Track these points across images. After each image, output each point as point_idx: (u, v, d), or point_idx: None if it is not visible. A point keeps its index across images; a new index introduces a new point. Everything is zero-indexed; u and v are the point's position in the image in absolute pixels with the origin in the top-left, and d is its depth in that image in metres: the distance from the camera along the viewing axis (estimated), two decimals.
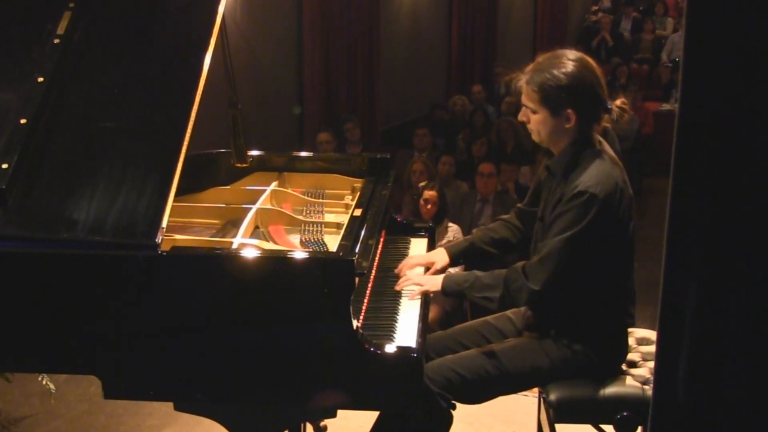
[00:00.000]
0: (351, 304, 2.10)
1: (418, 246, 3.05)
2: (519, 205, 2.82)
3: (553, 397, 2.44)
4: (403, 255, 2.94)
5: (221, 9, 2.42)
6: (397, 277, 2.69)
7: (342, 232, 2.51)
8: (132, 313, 2.13)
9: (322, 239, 2.64)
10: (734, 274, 1.49)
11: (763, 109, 1.42)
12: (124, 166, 2.21)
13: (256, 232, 2.68)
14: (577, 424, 2.60)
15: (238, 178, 3.12)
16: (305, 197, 2.99)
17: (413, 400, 2.14)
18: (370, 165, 3.11)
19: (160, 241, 2.09)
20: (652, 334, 2.67)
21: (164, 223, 2.11)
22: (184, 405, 2.21)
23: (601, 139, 2.50)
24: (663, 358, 1.55)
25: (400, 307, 2.51)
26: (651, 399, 1.61)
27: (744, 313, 1.50)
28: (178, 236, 2.50)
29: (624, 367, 2.54)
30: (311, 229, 2.71)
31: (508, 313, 2.75)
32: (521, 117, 2.51)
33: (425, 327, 2.45)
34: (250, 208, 2.70)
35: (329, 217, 2.84)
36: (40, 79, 2.31)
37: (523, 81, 2.46)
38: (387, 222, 3.01)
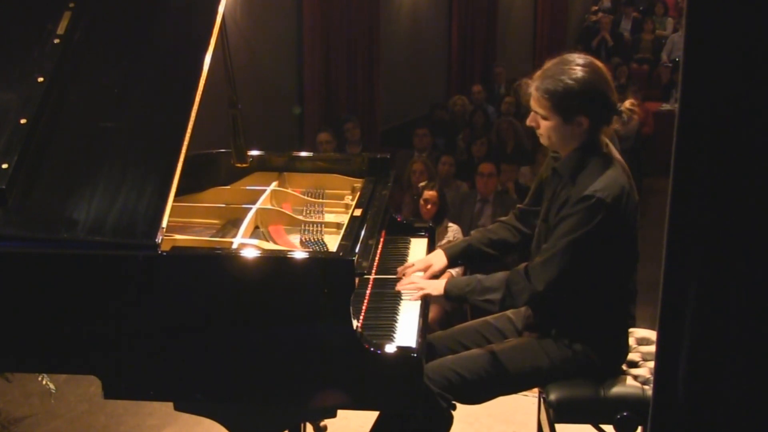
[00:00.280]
0: (351, 304, 2.10)
1: (418, 246, 3.05)
2: (519, 205, 2.82)
3: (553, 397, 2.44)
4: (403, 255, 2.95)
5: (221, 9, 2.42)
6: (395, 278, 2.68)
7: (342, 232, 2.51)
8: (132, 313, 2.13)
9: (322, 239, 2.64)
10: (734, 274, 1.49)
11: (763, 109, 1.42)
12: (124, 166, 2.21)
13: (256, 232, 2.68)
14: (577, 424, 2.60)
15: (238, 178, 3.12)
16: (305, 197, 2.99)
17: (413, 400, 2.14)
18: (370, 165, 3.11)
19: (160, 241, 2.09)
20: (652, 334, 2.67)
21: (164, 223, 2.11)
22: (184, 405, 2.21)
23: (608, 141, 2.49)
24: (663, 358, 1.55)
25: (400, 307, 2.51)
26: (651, 399, 1.61)
27: (744, 313, 1.50)
28: (178, 236, 2.50)
29: (624, 367, 2.54)
30: (311, 229, 2.71)
31: (508, 313, 2.75)
32: (530, 122, 2.49)
33: (425, 327, 2.45)
34: (250, 208, 2.70)
35: (329, 217, 2.84)
36: (40, 79, 2.31)
37: (532, 87, 2.44)
38: (387, 222, 3.01)
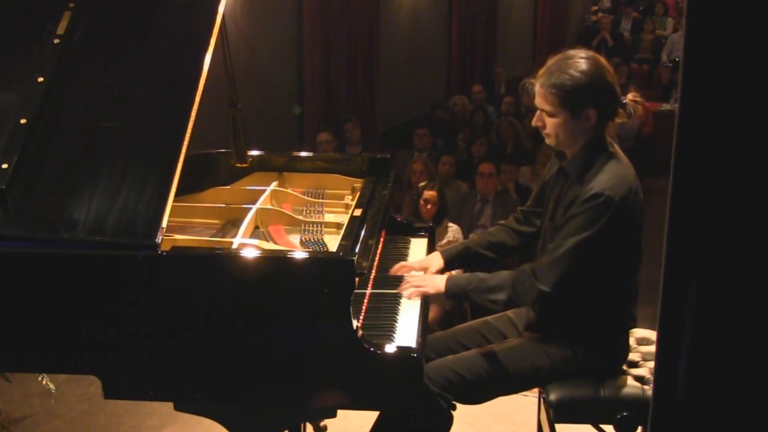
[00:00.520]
0: (351, 304, 2.10)
1: (418, 246, 3.05)
2: (520, 207, 2.81)
3: (553, 397, 2.44)
4: (403, 255, 2.95)
5: (221, 9, 2.42)
6: (395, 278, 2.68)
7: (342, 232, 2.51)
8: (132, 313, 2.13)
9: (322, 239, 2.64)
10: (734, 274, 1.49)
11: (763, 109, 1.42)
12: (124, 166, 2.21)
13: (256, 232, 2.68)
14: (577, 424, 2.60)
15: (238, 178, 3.12)
16: (305, 197, 2.99)
17: (413, 400, 2.14)
18: (370, 165, 3.11)
19: (160, 241, 2.09)
20: (652, 334, 2.67)
21: (164, 223, 2.11)
22: (184, 405, 2.21)
23: (612, 141, 2.48)
24: (663, 358, 1.55)
25: (400, 307, 2.51)
26: (651, 399, 1.61)
27: (744, 313, 1.50)
28: (178, 236, 2.50)
29: (624, 367, 2.54)
30: (311, 229, 2.71)
31: (509, 313, 2.75)
32: (535, 122, 2.47)
33: (425, 327, 2.45)
34: (250, 208, 2.70)
35: (329, 217, 2.84)
36: (40, 79, 2.31)
37: (537, 85, 2.42)
38: (387, 222, 3.01)
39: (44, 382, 3.38)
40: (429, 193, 4.65)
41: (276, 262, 2.16)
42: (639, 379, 2.49)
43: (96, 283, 2.13)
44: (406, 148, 7.10)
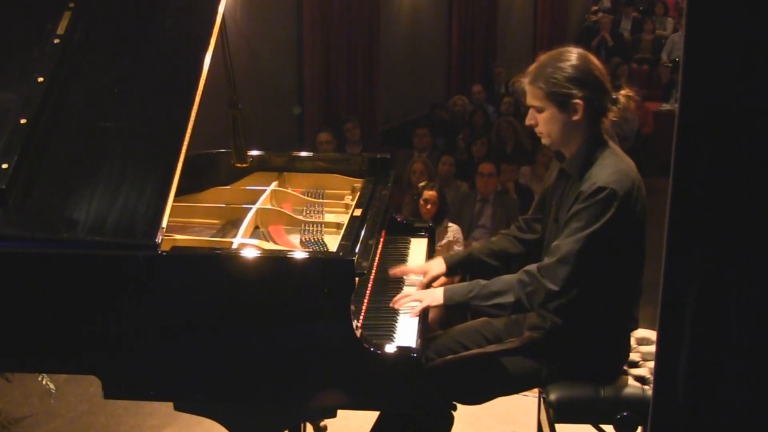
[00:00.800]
0: (351, 304, 2.10)
1: (418, 246, 3.05)
2: (522, 216, 2.79)
3: (553, 397, 2.44)
4: (403, 255, 2.95)
5: (221, 9, 2.42)
6: (394, 280, 2.68)
7: (342, 232, 2.51)
8: (132, 313, 2.13)
9: (322, 239, 2.64)
10: (734, 274, 1.49)
11: (763, 109, 1.42)
12: (124, 166, 2.21)
13: (256, 232, 2.68)
14: (577, 424, 2.60)
15: (238, 178, 3.12)
16: (305, 197, 2.99)
17: (413, 400, 2.14)
18: (370, 165, 3.11)
19: (160, 241, 2.09)
20: (652, 334, 2.67)
21: (164, 223, 2.11)
22: (184, 405, 2.21)
23: (609, 138, 2.47)
24: (663, 358, 1.55)
25: (400, 308, 2.50)
26: (651, 399, 1.61)
27: (744, 313, 1.50)
28: (178, 236, 2.50)
29: (624, 367, 2.54)
30: (311, 229, 2.71)
31: None
32: (528, 121, 2.47)
33: (425, 327, 2.45)
34: (250, 208, 2.70)
35: (329, 217, 2.84)
36: (40, 79, 2.31)
37: (526, 82, 2.43)
38: (387, 222, 3.01)
39: (44, 382, 3.38)
40: (429, 193, 4.65)
41: (276, 262, 2.16)
42: (639, 379, 2.49)
43: (96, 283, 2.13)
44: (406, 148, 7.09)
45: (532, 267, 2.36)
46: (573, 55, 2.40)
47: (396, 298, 2.49)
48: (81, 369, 2.27)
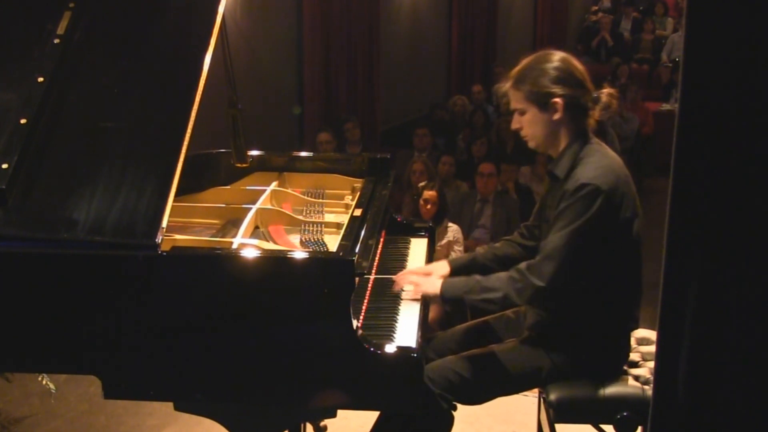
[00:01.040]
0: (351, 304, 2.10)
1: (418, 246, 3.05)
2: (524, 223, 2.80)
3: (553, 397, 2.44)
4: (403, 255, 2.95)
5: (221, 9, 2.42)
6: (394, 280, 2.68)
7: (342, 232, 2.52)
8: (132, 313, 2.13)
9: (322, 239, 2.64)
10: (734, 274, 1.49)
11: (763, 109, 1.42)
12: (124, 166, 2.21)
13: (256, 232, 2.68)
14: (577, 424, 2.60)
15: (238, 178, 3.12)
16: (305, 197, 2.99)
17: (413, 400, 2.14)
18: (370, 165, 3.11)
19: (160, 241, 2.09)
20: (652, 334, 2.67)
21: (164, 223, 2.11)
22: (184, 405, 2.21)
23: (599, 140, 2.48)
24: (663, 358, 1.55)
25: (400, 307, 2.50)
26: (651, 399, 1.61)
27: (744, 313, 1.50)
28: (178, 236, 2.50)
29: (624, 367, 2.54)
30: (311, 229, 2.71)
31: (508, 313, 2.75)
32: (514, 125, 2.51)
33: (425, 327, 2.45)
34: (250, 208, 2.70)
35: (329, 217, 2.84)
36: (40, 79, 2.31)
37: (508, 86, 2.48)
38: (387, 222, 3.01)
39: (44, 382, 3.38)
40: (429, 193, 4.65)
41: (276, 262, 2.16)
42: (639, 379, 2.49)
43: (96, 283, 2.13)
44: (406, 148, 7.09)
45: (522, 264, 2.39)
46: (553, 56, 2.44)
47: (398, 275, 2.56)
48: (81, 369, 2.27)
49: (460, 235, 4.74)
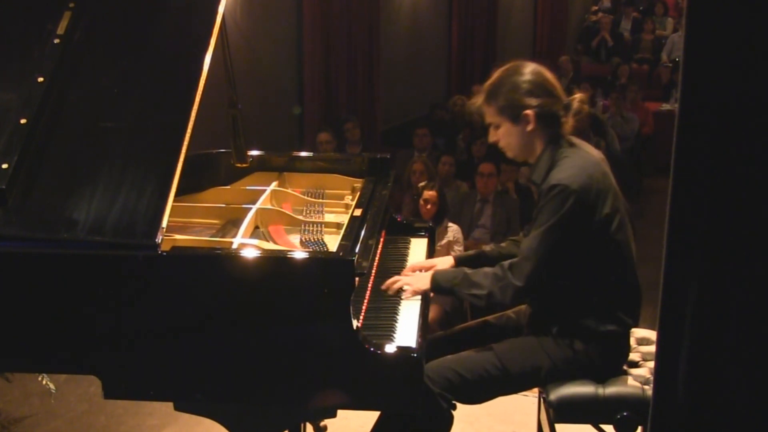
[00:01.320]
0: (351, 304, 2.10)
1: (418, 246, 3.05)
2: (527, 225, 2.82)
3: (553, 397, 2.44)
4: (403, 255, 2.95)
5: (221, 9, 2.42)
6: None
7: (342, 232, 2.52)
8: (132, 313, 2.13)
9: (322, 239, 2.64)
10: (734, 275, 1.49)
11: (763, 109, 1.42)
12: (124, 166, 2.21)
13: (256, 232, 2.68)
14: (577, 424, 2.60)
15: (238, 178, 3.12)
16: (305, 197, 2.99)
17: (413, 400, 2.14)
18: (370, 165, 3.11)
19: (160, 241, 2.09)
20: (652, 334, 2.68)
21: (164, 223, 2.11)
22: (184, 405, 2.21)
23: (578, 140, 2.51)
24: (663, 358, 1.55)
25: (400, 307, 2.51)
26: (651, 399, 1.61)
27: (744, 313, 1.50)
28: (178, 236, 2.50)
29: (624, 367, 2.54)
30: (311, 229, 2.71)
31: (509, 312, 2.75)
32: (491, 139, 2.56)
33: (425, 327, 2.45)
34: (250, 208, 2.70)
35: (329, 217, 2.84)
36: (40, 79, 2.31)
37: (480, 102, 2.52)
38: (387, 222, 3.01)
39: (44, 382, 3.38)
40: (429, 193, 4.65)
41: (276, 262, 2.16)
42: (639, 379, 2.49)
43: (96, 283, 2.13)
44: (406, 148, 7.09)
45: (507, 262, 2.44)
46: (523, 69, 2.49)
47: (386, 283, 2.57)
48: (81, 369, 2.27)
49: (460, 235, 4.74)
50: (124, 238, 2.10)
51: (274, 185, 3.01)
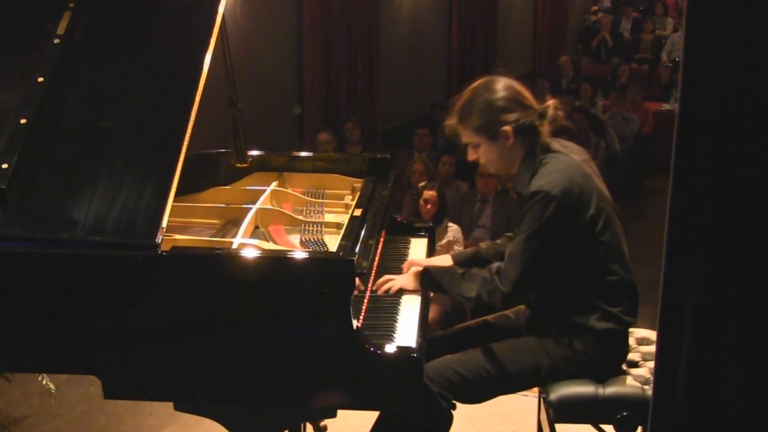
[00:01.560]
0: (351, 304, 2.10)
1: (418, 246, 3.05)
2: None
3: (553, 397, 2.44)
4: (403, 255, 2.95)
5: (221, 9, 2.42)
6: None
7: (342, 232, 2.52)
8: (132, 313, 2.13)
9: (322, 239, 2.64)
10: (734, 274, 1.49)
11: (763, 109, 1.42)
12: (124, 166, 2.21)
13: (256, 232, 2.68)
14: (577, 424, 2.60)
15: (238, 178, 3.12)
16: (305, 197, 2.99)
17: (413, 400, 2.14)
18: (370, 165, 3.11)
19: (160, 241, 2.09)
20: (652, 334, 2.68)
21: (164, 223, 2.11)
22: (184, 405, 2.21)
23: (558, 144, 2.50)
24: (663, 358, 1.55)
25: (400, 307, 2.51)
26: (651, 399, 1.61)
27: (744, 313, 1.50)
28: (178, 236, 2.50)
29: (624, 367, 2.54)
30: (311, 229, 2.71)
31: (508, 312, 2.75)
32: (470, 157, 2.57)
33: (425, 327, 2.45)
34: (250, 208, 2.70)
35: (329, 217, 2.84)
36: (40, 79, 2.31)
37: (454, 122, 2.54)
38: (387, 222, 3.01)
39: (44, 382, 3.38)
40: (429, 193, 4.65)
41: (276, 262, 2.16)
42: (639, 379, 2.49)
43: (96, 283, 2.13)
44: (406, 148, 7.09)
45: (495, 265, 2.47)
46: (494, 85, 2.50)
47: (377, 283, 2.58)
48: (81, 369, 2.27)
49: (460, 235, 4.74)
50: (124, 238, 2.10)
51: (274, 185, 3.01)
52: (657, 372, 1.59)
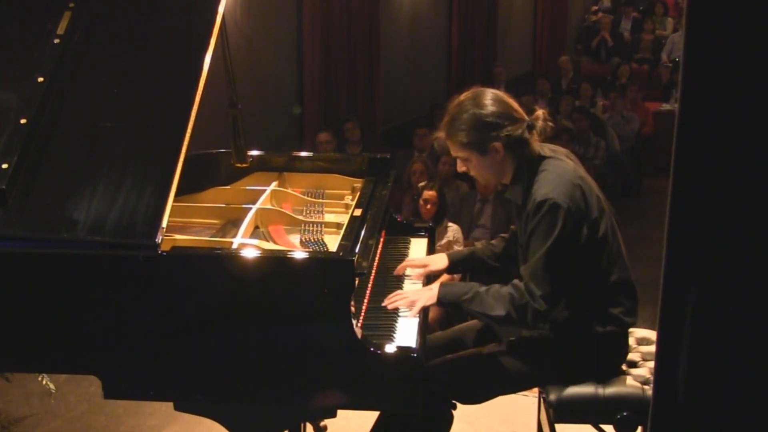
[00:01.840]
0: (351, 304, 2.10)
1: (418, 246, 3.05)
2: (512, 227, 2.81)
3: (553, 397, 2.44)
4: (403, 255, 2.95)
5: (221, 9, 2.42)
6: (394, 279, 2.68)
7: (342, 232, 2.52)
8: (132, 313, 2.13)
9: (322, 239, 2.64)
10: (734, 274, 1.49)
11: (763, 109, 1.42)
12: (124, 166, 2.21)
13: (256, 232, 2.68)
14: (577, 424, 2.60)
15: (238, 178, 3.12)
16: (305, 197, 2.99)
17: (413, 400, 2.14)
18: (370, 165, 3.11)
19: (160, 241, 2.09)
20: (652, 334, 2.68)
21: (164, 223, 2.11)
22: (184, 405, 2.21)
23: (547, 149, 2.48)
24: (663, 358, 1.55)
25: (400, 307, 2.50)
26: (651, 399, 1.61)
27: (744, 313, 1.50)
28: (178, 236, 2.50)
29: (624, 367, 2.54)
30: (311, 229, 2.71)
31: None
32: (460, 169, 2.55)
33: (425, 327, 2.45)
34: (250, 208, 2.70)
35: (329, 217, 2.84)
36: (40, 79, 2.31)
37: (443, 136, 2.50)
38: (387, 222, 3.01)
39: (44, 382, 3.38)
40: (429, 193, 4.65)
41: (276, 262, 2.16)
42: (639, 379, 2.49)
43: (96, 283, 2.13)
44: (406, 148, 7.09)
45: (521, 284, 2.37)
46: (482, 98, 2.46)
47: (389, 297, 2.49)
48: (81, 369, 2.27)
49: (460, 235, 4.74)
50: (124, 238, 2.10)
51: (274, 185, 3.01)
52: (657, 372, 1.59)
